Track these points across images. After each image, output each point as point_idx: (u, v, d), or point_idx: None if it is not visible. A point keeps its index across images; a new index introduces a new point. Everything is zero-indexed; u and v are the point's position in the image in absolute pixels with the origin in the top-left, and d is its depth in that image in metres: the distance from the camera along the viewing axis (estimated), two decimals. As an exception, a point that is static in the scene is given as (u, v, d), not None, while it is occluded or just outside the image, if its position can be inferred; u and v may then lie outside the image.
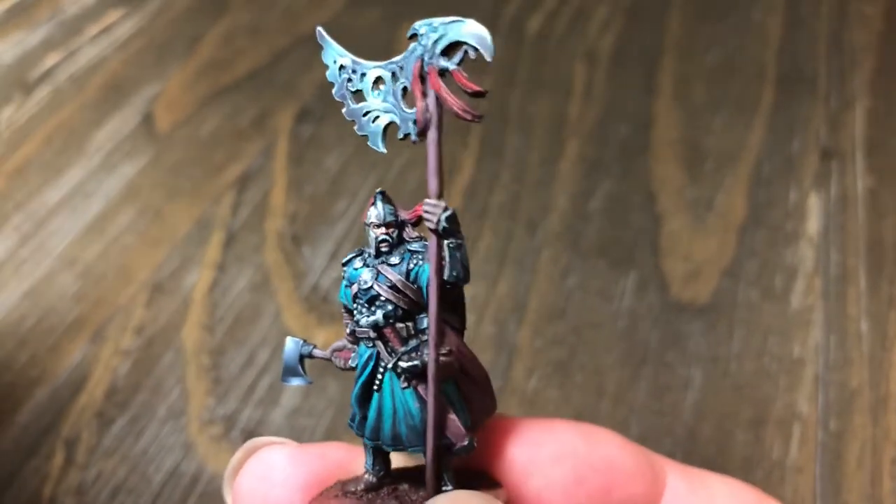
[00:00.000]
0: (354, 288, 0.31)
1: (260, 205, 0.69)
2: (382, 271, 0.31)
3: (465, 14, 0.28)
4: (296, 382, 0.34)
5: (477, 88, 0.28)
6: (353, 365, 0.32)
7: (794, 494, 0.53)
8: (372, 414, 0.31)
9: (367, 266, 0.31)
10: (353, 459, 0.33)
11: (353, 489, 0.32)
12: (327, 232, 0.67)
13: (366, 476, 0.32)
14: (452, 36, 0.28)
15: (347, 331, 0.32)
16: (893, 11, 0.93)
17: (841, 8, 0.94)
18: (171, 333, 0.59)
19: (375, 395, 0.31)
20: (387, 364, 0.31)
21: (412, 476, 0.33)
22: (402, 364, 0.30)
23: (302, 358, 0.34)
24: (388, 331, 0.31)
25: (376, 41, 0.85)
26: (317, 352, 0.34)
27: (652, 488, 0.33)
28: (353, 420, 0.32)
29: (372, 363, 0.31)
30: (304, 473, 0.32)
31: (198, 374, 0.57)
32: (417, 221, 0.31)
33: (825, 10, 0.94)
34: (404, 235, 0.32)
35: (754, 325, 0.62)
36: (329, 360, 0.33)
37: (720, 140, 0.78)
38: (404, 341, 0.31)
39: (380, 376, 0.31)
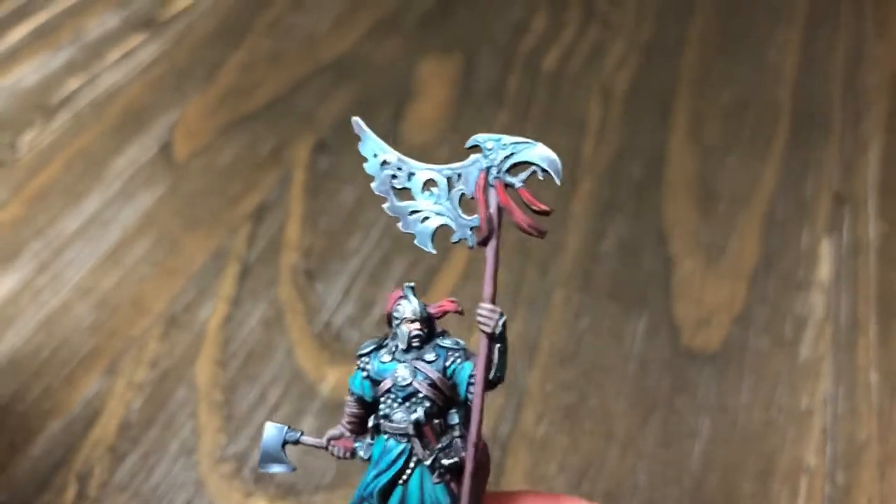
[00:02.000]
0: (387, 383, 0.31)
1: (275, 238, 0.69)
2: (420, 368, 0.31)
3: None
4: (276, 470, 0.34)
5: (545, 208, 0.30)
6: (365, 457, 0.32)
7: (799, 548, 0.54)
8: None
9: (399, 361, 0.32)
10: None
11: None
12: (341, 268, 0.67)
13: None
14: (523, 156, 0.30)
15: (351, 419, 0.33)
16: (909, 56, 0.93)
17: (856, 48, 0.94)
18: (185, 368, 0.60)
19: (398, 489, 0.31)
20: (421, 459, 0.31)
21: None
22: (445, 462, 0.31)
23: (285, 444, 0.34)
24: (426, 427, 0.31)
25: (395, 73, 0.86)
26: (306, 439, 0.34)
27: None
28: None
29: (403, 458, 0.31)
30: None
31: (210, 411, 0.57)
32: (441, 316, 0.32)
33: (840, 49, 0.94)
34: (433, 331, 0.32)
35: (763, 374, 0.62)
36: (322, 447, 0.33)
37: (733, 180, 0.78)
38: (438, 437, 0.31)
39: (409, 471, 0.31)
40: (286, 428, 0.34)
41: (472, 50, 0.89)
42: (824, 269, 0.70)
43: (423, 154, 0.80)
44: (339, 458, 0.33)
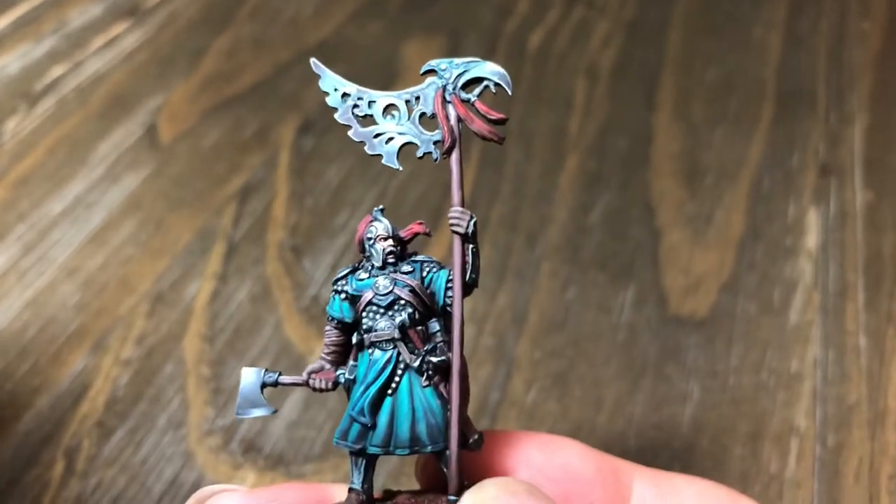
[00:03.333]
0: (367, 296, 0.32)
1: (261, 216, 0.69)
2: (399, 278, 0.32)
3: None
4: (256, 414, 0.34)
5: (500, 116, 0.33)
6: (351, 376, 0.32)
7: (791, 509, 0.53)
8: (383, 420, 0.32)
9: (376, 276, 0.32)
10: (309, 499, 0.33)
11: None
12: (328, 244, 0.67)
13: (352, 496, 0.32)
14: (475, 73, 0.33)
15: (332, 349, 0.33)
16: (892, 29, 0.94)
17: (840, 25, 0.95)
18: (172, 344, 0.59)
19: (388, 399, 0.32)
20: (408, 365, 0.32)
21: (394, 497, 0.33)
22: (434, 359, 0.32)
23: (264, 387, 0.34)
24: (411, 331, 0.32)
25: (379, 55, 0.86)
26: (284, 378, 0.34)
27: (615, 495, 0.34)
28: (344, 436, 0.32)
29: (391, 366, 0.32)
30: None
31: (198, 385, 0.57)
32: (411, 239, 0.34)
33: (825, 27, 0.94)
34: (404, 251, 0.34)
35: (752, 339, 0.62)
36: (302, 384, 0.33)
37: (720, 155, 0.79)
38: (424, 342, 0.32)
39: (398, 378, 0.32)
40: (263, 370, 0.34)
41: (457, 31, 0.89)
42: (812, 238, 0.70)
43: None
44: (320, 390, 0.33)
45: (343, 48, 0.87)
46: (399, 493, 0.34)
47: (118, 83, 0.81)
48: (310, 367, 0.34)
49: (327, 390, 0.33)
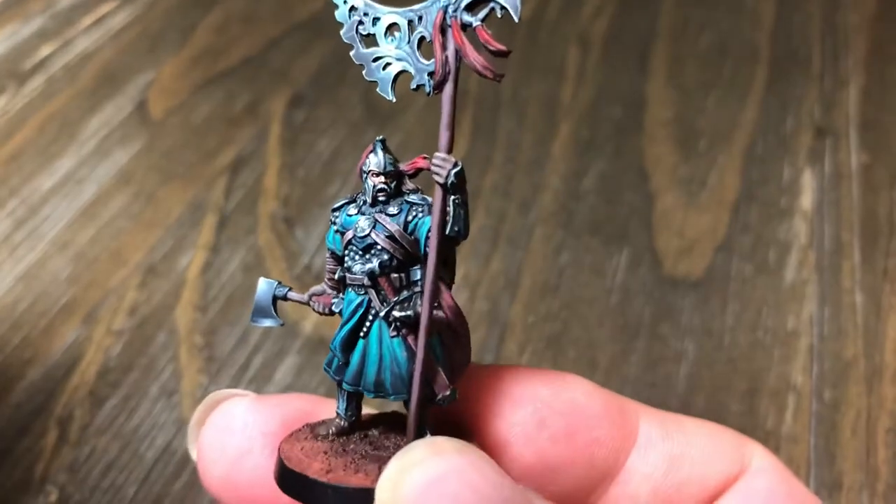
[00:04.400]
0: (349, 234, 0.31)
1: (253, 188, 0.69)
2: (380, 220, 0.31)
3: None
4: (266, 323, 0.34)
5: (501, 47, 0.28)
6: (337, 310, 0.32)
7: (788, 464, 0.53)
8: (355, 359, 0.31)
9: (363, 214, 0.31)
10: (314, 408, 0.34)
11: (323, 433, 0.32)
12: (320, 214, 0.67)
13: (336, 420, 0.32)
14: None
15: (330, 276, 0.32)
16: (886, -10, 0.93)
17: (834, -11, 0.94)
18: (164, 314, 0.59)
19: (361, 341, 0.31)
20: (378, 312, 0.31)
21: (383, 422, 0.33)
22: (396, 313, 0.30)
23: (275, 300, 0.34)
24: (382, 280, 0.31)
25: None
26: (292, 294, 0.33)
27: (621, 432, 0.33)
28: (329, 364, 0.32)
29: (361, 310, 0.31)
30: (263, 421, 0.33)
31: (190, 354, 0.57)
32: (415, 174, 0.31)
33: (819, -9, 0.94)
34: (402, 187, 0.31)
35: (748, 298, 0.62)
36: (305, 303, 0.33)
37: (713, 120, 0.78)
38: (397, 291, 0.31)
39: (368, 323, 0.31)
40: (276, 283, 0.34)
41: (447, 2, 0.88)
42: (807, 199, 0.70)
43: (401, 107, 0.80)
44: (319, 313, 0.32)
45: (333, 21, 0.86)
46: (390, 418, 0.34)
47: (107, 60, 0.80)
48: (313, 289, 0.33)
49: (325, 314, 0.32)
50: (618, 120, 0.78)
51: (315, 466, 0.30)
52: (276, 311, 0.34)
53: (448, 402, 0.31)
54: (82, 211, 0.66)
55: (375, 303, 0.31)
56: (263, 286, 0.34)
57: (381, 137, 0.32)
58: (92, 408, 0.54)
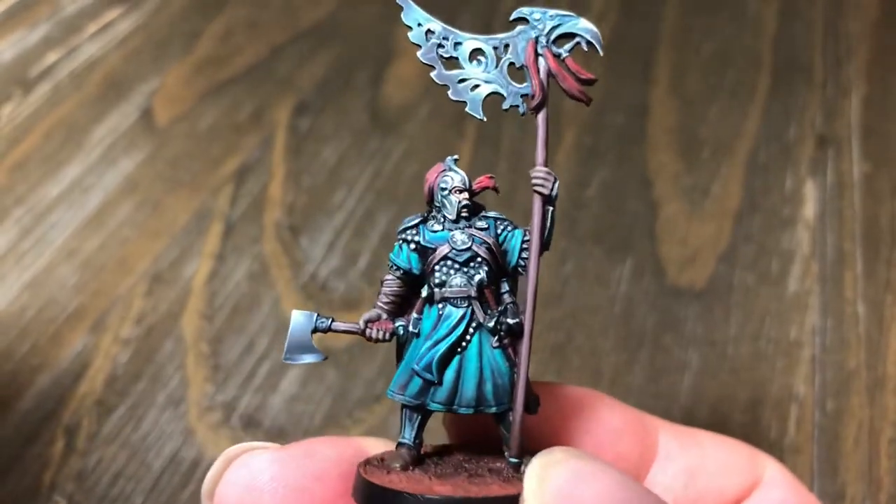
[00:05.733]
0: (443, 249, 0.31)
1: (258, 197, 0.69)
2: (477, 234, 0.31)
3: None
4: (307, 360, 0.32)
5: (591, 76, 0.32)
6: (415, 330, 0.31)
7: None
8: (450, 377, 0.31)
9: (451, 230, 0.31)
10: (343, 453, 0.32)
11: (398, 465, 0.31)
12: (325, 222, 0.67)
13: (403, 451, 0.31)
14: (568, 27, 0.32)
15: (390, 300, 0.32)
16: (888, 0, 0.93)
17: (836, -3, 0.94)
18: (171, 322, 0.60)
19: (456, 358, 0.31)
20: (482, 322, 0.31)
21: (437, 454, 0.32)
22: (510, 321, 0.31)
23: (314, 332, 0.32)
24: (487, 291, 0.31)
25: (374, 36, 0.86)
26: (339, 325, 0.32)
27: (643, 447, 0.34)
28: (403, 390, 0.31)
29: (464, 324, 0.31)
30: (293, 476, 0.30)
31: (197, 362, 0.57)
32: (480, 192, 0.33)
33: (821, -1, 0.94)
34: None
35: (751, 308, 0.62)
36: (357, 333, 0.32)
37: (716, 128, 0.78)
38: (498, 302, 0.31)
39: (469, 337, 0.31)
40: (316, 315, 0.32)
41: (453, 9, 0.88)
42: (809, 208, 0.70)
43: (404, 113, 0.80)
44: (375, 340, 0.32)
45: (337, 29, 0.86)
46: (448, 447, 0.34)
47: (113, 68, 0.81)
48: (366, 315, 0.32)
49: (383, 341, 0.32)
50: (621, 128, 0.78)
51: (423, 486, 0.29)
52: (314, 343, 0.32)
53: (537, 408, 0.32)
54: (89, 219, 0.66)
55: (479, 314, 0.31)
56: (300, 319, 0.32)
57: (454, 157, 0.33)
58: (100, 416, 0.54)
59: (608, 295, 0.63)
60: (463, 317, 0.31)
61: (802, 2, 0.93)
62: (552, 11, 0.32)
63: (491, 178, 0.33)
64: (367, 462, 0.31)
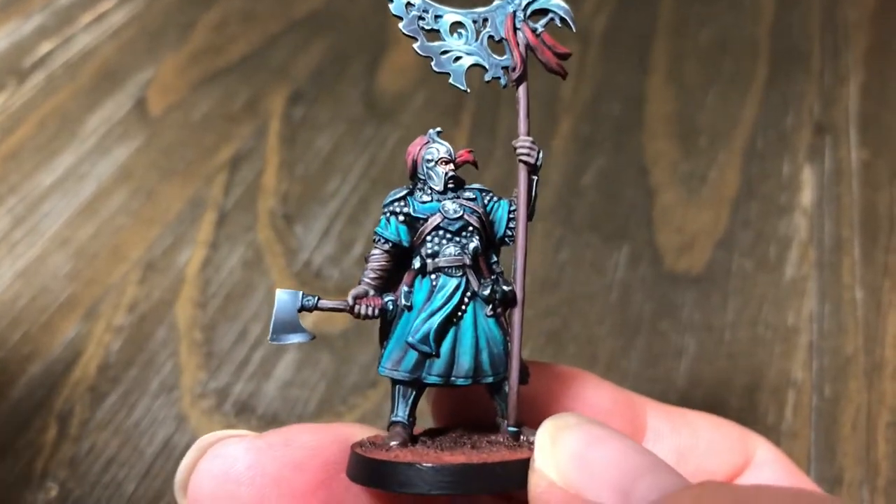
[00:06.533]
0: (435, 219, 0.31)
1: (252, 185, 0.69)
2: (467, 204, 0.31)
3: None
4: (294, 340, 0.31)
5: (566, 50, 0.33)
6: (407, 303, 0.31)
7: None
8: (446, 349, 0.30)
9: (440, 200, 0.31)
10: (324, 440, 0.30)
11: (395, 442, 0.30)
12: (319, 210, 0.67)
13: (398, 429, 0.31)
14: (543, 3, 0.33)
15: (378, 274, 0.31)
16: (886, -14, 0.93)
17: (834, -14, 0.94)
18: (164, 310, 0.59)
19: (451, 330, 0.30)
20: (479, 292, 0.31)
21: (429, 435, 0.32)
22: (504, 287, 0.31)
23: (301, 311, 0.31)
24: (481, 258, 0.31)
25: (368, 26, 0.85)
26: (325, 303, 0.31)
27: (631, 427, 0.33)
28: (396, 365, 0.30)
29: (459, 293, 0.31)
30: (272, 465, 0.28)
31: (190, 349, 0.57)
32: (460, 165, 0.33)
33: (818, -12, 0.94)
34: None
35: (749, 294, 0.62)
36: (345, 310, 0.31)
37: (714, 116, 0.78)
38: (490, 271, 0.31)
39: (464, 307, 0.31)
40: (301, 294, 0.31)
41: (449, 1, 0.88)
42: (807, 195, 0.70)
43: (399, 102, 0.79)
44: (365, 316, 0.31)
45: (332, 18, 0.86)
46: (437, 429, 0.33)
47: (107, 58, 0.80)
48: (354, 292, 0.31)
49: (372, 317, 0.31)
50: (618, 116, 0.78)
51: (433, 458, 0.29)
52: (301, 322, 0.31)
53: (528, 378, 0.32)
54: (82, 207, 0.66)
55: (474, 283, 0.31)
56: (285, 298, 0.31)
57: (437, 129, 0.33)
58: (92, 403, 0.54)
59: (605, 282, 0.63)
60: (458, 286, 0.31)
61: (800, -10, 0.93)
62: None
63: (470, 151, 0.33)
64: (360, 444, 0.30)
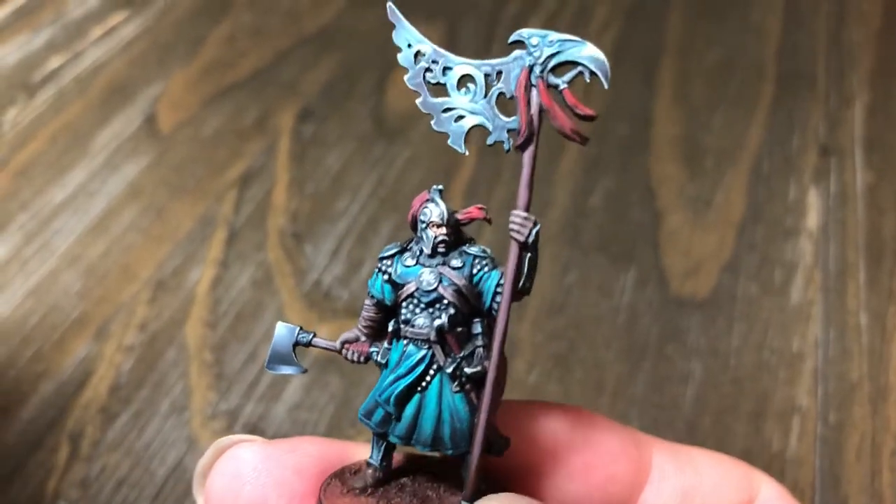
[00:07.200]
0: (410, 287, 0.30)
1: (262, 203, 0.69)
2: (446, 274, 0.30)
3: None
4: (285, 371, 0.32)
5: (590, 112, 0.28)
6: (382, 361, 0.31)
7: (793, 486, 0.53)
8: (409, 413, 0.30)
9: (424, 265, 0.30)
10: (326, 452, 0.33)
11: (359, 485, 0.31)
12: (329, 230, 0.67)
13: (370, 471, 0.32)
14: (569, 55, 0.28)
15: (368, 324, 0.31)
16: (891, 9, 0.93)
17: (840, 6, 0.94)
18: (174, 330, 0.60)
19: (417, 395, 0.30)
20: (443, 367, 0.30)
21: (412, 470, 0.32)
22: (468, 370, 0.30)
23: (296, 346, 0.32)
24: (449, 335, 0.30)
25: (378, 42, 0.86)
26: (319, 341, 0.32)
27: (636, 467, 0.34)
28: (369, 416, 0.31)
29: (423, 365, 0.30)
30: (276, 469, 0.32)
31: (200, 370, 0.57)
32: (467, 223, 0.31)
33: (824, 8, 0.94)
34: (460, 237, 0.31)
35: (754, 319, 0.62)
36: (335, 351, 0.32)
37: (720, 138, 0.78)
38: (462, 346, 0.30)
39: (429, 378, 0.30)
40: (298, 328, 0.32)
41: (456, 17, 0.89)
42: (812, 218, 0.70)
43: (409, 120, 0.80)
44: (352, 361, 0.32)
45: (341, 35, 0.86)
46: (423, 464, 0.33)
47: (117, 72, 0.81)
48: (344, 336, 0.32)
49: (359, 363, 0.32)
50: (624, 137, 0.78)
51: None
52: (296, 357, 0.32)
53: (503, 451, 0.31)
54: (93, 225, 0.66)
55: (440, 358, 0.30)
56: (283, 331, 0.32)
57: (438, 187, 0.31)
58: (103, 424, 0.54)
59: (611, 305, 0.63)
60: (423, 358, 0.30)
61: (806, 11, 0.94)
62: (554, 35, 0.28)
63: (481, 209, 0.31)
64: (340, 473, 0.32)
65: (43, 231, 0.66)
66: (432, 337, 0.30)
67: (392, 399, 0.30)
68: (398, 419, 0.31)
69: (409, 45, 0.30)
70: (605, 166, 0.75)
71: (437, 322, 0.30)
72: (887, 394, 0.58)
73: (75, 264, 0.64)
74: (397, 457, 0.33)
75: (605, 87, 0.28)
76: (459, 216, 0.31)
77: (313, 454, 0.32)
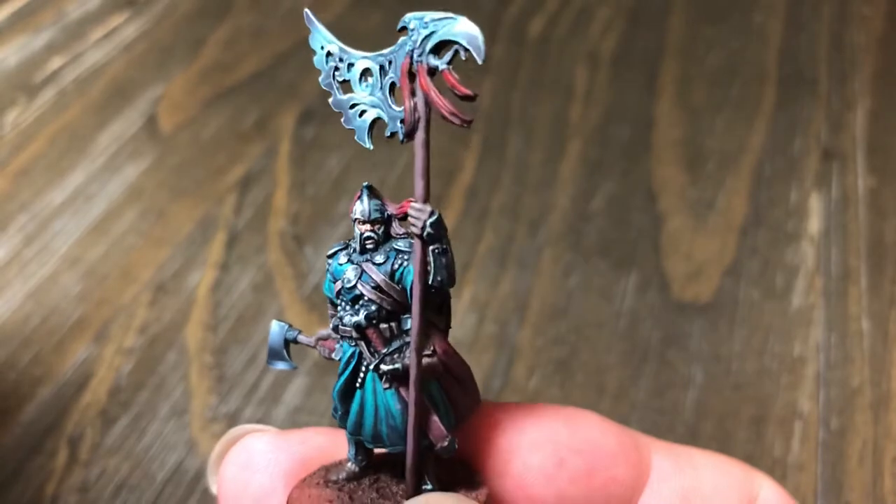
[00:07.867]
0: (338, 285, 0.30)
1: (262, 206, 0.69)
2: (367, 270, 0.30)
3: (467, 15, 0.27)
4: (280, 366, 0.34)
5: (467, 92, 0.26)
6: (336, 358, 0.31)
7: (795, 493, 0.53)
8: (354, 409, 0.30)
9: (352, 263, 0.30)
10: (335, 444, 0.33)
11: (335, 478, 0.31)
12: (330, 232, 0.67)
13: (348, 465, 0.32)
14: (443, 34, 0.26)
15: (332, 324, 0.32)
16: (894, 12, 0.93)
17: (842, 9, 0.94)
18: (174, 333, 0.59)
19: (358, 391, 0.30)
20: (368, 364, 0.30)
21: (394, 465, 0.33)
22: (384, 367, 0.30)
23: (287, 342, 0.33)
24: (370, 332, 0.30)
25: (380, 44, 0.85)
26: (301, 338, 0.33)
27: (636, 469, 0.33)
28: (335, 411, 0.32)
29: (354, 362, 0.30)
30: (285, 459, 0.32)
31: (200, 373, 0.57)
32: (404, 217, 0.30)
33: (826, 11, 0.94)
34: (391, 231, 0.30)
35: (755, 323, 0.62)
36: (313, 347, 0.32)
37: (722, 141, 0.78)
38: (387, 342, 0.30)
39: (362, 374, 0.30)
40: (287, 326, 0.33)
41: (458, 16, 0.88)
42: (814, 222, 0.70)
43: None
44: (324, 357, 0.32)
45: (343, 37, 0.86)
46: (385, 461, 0.33)
47: (118, 74, 0.81)
48: (319, 333, 0.32)
49: (329, 359, 0.31)
50: (626, 140, 0.78)
51: None
52: (288, 354, 0.33)
53: (448, 453, 0.30)
54: (92, 227, 0.66)
55: (366, 355, 0.30)
56: (276, 329, 0.33)
57: (367, 184, 0.30)
58: (103, 427, 0.54)
59: (612, 309, 0.63)
60: (353, 355, 0.30)
61: (808, 14, 0.94)
62: (430, 16, 0.26)
63: (410, 200, 0.29)
64: (331, 465, 0.32)
65: (43, 233, 0.66)
66: (353, 334, 0.30)
67: (334, 395, 0.31)
68: (345, 414, 0.31)
69: (322, 48, 0.29)
70: (606, 170, 0.74)
71: (354, 319, 0.30)
72: (889, 399, 0.58)
73: (75, 266, 0.63)
74: (383, 452, 0.33)
75: (479, 62, 0.26)
76: (394, 210, 0.30)
77: (322, 446, 0.33)
